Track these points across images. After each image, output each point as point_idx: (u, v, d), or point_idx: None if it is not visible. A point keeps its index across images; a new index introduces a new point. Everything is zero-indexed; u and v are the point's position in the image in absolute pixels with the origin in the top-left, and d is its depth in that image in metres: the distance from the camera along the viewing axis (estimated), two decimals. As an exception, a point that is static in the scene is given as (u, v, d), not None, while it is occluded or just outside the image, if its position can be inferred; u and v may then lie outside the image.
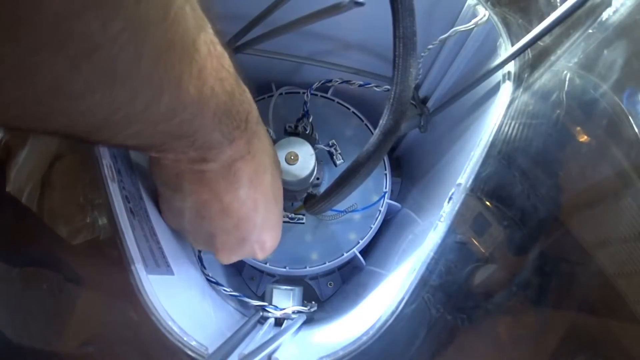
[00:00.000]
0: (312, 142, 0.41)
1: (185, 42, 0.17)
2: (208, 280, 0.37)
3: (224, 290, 0.37)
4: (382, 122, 0.28)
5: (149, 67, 0.15)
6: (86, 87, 0.14)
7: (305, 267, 0.43)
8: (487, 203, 0.27)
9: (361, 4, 0.25)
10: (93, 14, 0.12)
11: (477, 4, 0.34)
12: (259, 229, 0.29)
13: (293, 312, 0.37)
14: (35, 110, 0.15)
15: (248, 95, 0.24)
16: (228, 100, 0.21)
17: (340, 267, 0.49)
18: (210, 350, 0.26)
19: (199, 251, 0.38)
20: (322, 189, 0.45)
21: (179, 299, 0.30)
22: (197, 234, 0.30)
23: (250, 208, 0.28)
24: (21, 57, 0.12)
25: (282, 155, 0.38)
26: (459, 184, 0.28)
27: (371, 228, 0.44)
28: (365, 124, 0.47)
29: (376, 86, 0.42)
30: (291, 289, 0.40)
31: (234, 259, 0.31)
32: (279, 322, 0.37)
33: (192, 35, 0.17)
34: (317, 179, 0.44)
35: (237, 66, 0.22)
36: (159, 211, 0.31)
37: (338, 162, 0.46)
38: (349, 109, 0.48)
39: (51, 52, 0.12)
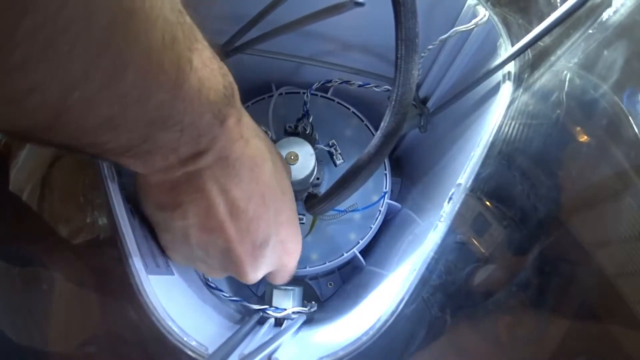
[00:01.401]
0: (312, 142, 0.41)
1: (153, 11, 0.14)
2: (207, 285, 0.37)
3: (224, 295, 0.37)
4: (384, 124, 0.27)
5: (101, 32, 0.13)
6: (26, 58, 0.12)
7: (305, 267, 0.43)
8: (487, 203, 0.27)
9: (361, 4, 0.25)
10: None
11: (477, 4, 0.34)
12: (275, 225, 0.26)
13: (293, 313, 0.37)
14: None
15: (222, 63, 0.21)
16: (210, 75, 0.19)
17: (340, 267, 0.49)
18: (210, 350, 0.26)
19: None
20: (322, 189, 0.45)
21: (179, 299, 0.30)
22: (211, 256, 0.26)
23: (258, 203, 0.25)
24: None
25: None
26: (459, 184, 0.28)
27: (371, 228, 0.44)
28: (365, 124, 0.47)
29: (376, 86, 0.42)
30: (291, 289, 0.40)
31: (260, 274, 0.28)
32: (279, 322, 0.37)
33: (157, 3, 0.15)
34: (317, 179, 0.44)
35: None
36: (163, 251, 0.28)
37: (338, 162, 0.46)
38: (349, 109, 0.48)
39: None
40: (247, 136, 0.24)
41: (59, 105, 0.14)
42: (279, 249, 0.28)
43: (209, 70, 0.19)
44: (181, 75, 0.17)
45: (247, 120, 0.25)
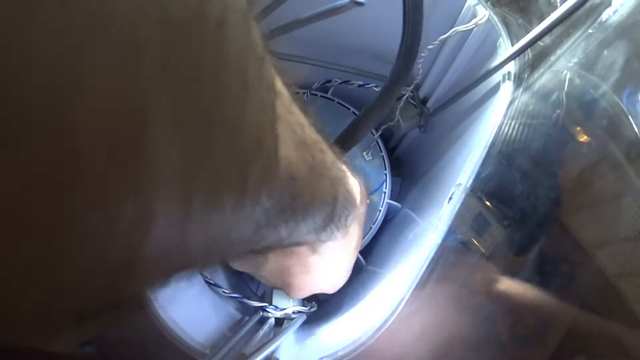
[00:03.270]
0: (312, 142, 0.41)
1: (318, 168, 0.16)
2: (207, 282, 0.37)
3: (223, 291, 0.37)
4: (394, 68, 0.29)
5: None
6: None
7: (305, 267, 0.43)
8: (487, 203, 0.27)
9: (361, 4, 0.25)
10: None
11: (477, 4, 0.34)
12: (338, 277, 0.30)
13: (293, 312, 0.37)
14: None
15: (351, 179, 0.23)
16: (331, 210, 0.20)
17: (340, 267, 0.49)
18: (210, 351, 0.26)
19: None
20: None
21: (179, 299, 0.30)
22: (271, 280, 0.29)
23: (336, 268, 0.28)
24: None
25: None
26: (459, 184, 0.28)
27: (371, 228, 0.44)
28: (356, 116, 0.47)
29: (376, 86, 0.42)
30: (291, 289, 0.40)
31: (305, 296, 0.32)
32: (279, 322, 0.37)
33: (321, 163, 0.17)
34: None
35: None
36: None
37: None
38: (348, 109, 0.48)
39: None
40: (349, 236, 0.26)
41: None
42: (330, 288, 0.31)
43: (330, 208, 0.20)
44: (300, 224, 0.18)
45: (355, 223, 0.26)
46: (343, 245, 0.26)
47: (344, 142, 0.33)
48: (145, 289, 0.14)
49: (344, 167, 0.22)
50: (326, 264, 0.27)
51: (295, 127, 0.15)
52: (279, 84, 0.14)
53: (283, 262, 0.26)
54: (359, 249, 0.31)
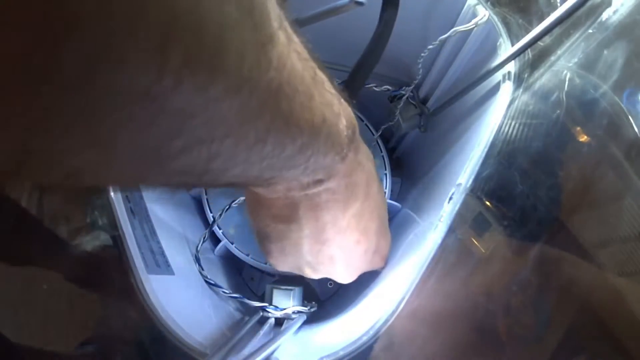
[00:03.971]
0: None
1: (292, 82, 0.15)
2: (207, 282, 0.37)
3: (223, 291, 0.37)
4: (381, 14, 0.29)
5: (254, 115, 0.14)
6: (185, 147, 0.13)
7: (305, 267, 0.43)
8: (487, 203, 0.27)
9: (361, 4, 0.25)
10: (190, 86, 0.11)
11: (477, 4, 0.34)
12: (378, 236, 0.29)
13: (293, 312, 0.37)
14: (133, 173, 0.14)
15: (347, 105, 0.23)
16: (338, 121, 0.20)
17: (340, 267, 0.49)
18: (210, 351, 0.26)
19: (197, 251, 0.38)
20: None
21: (179, 299, 0.30)
22: (318, 263, 0.28)
23: (368, 219, 0.27)
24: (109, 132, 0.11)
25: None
26: (459, 184, 0.28)
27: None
28: (366, 124, 0.47)
29: (376, 86, 0.42)
30: (291, 289, 0.40)
31: (356, 276, 0.31)
32: (279, 322, 0.37)
33: (298, 72, 0.16)
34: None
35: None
36: (265, 256, 0.30)
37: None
38: (349, 109, 0.48)
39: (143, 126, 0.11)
40: (363, 162, 0.26)
41: (202, 171, 0.15)
42: (377, 257, 0.30)
43: (337, 118, 0.20)
44: (314, 131, 0.18)
45: (362, 147, 0.26)
46: (364, 181, 0.26)
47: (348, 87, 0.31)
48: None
49: (339, 100, 0.22)
50: (358, 208, 0.26)
51: (297, 45, 0.16)
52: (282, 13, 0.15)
53: (318, 220, 0.25)
54: (385, 204, 0.30)
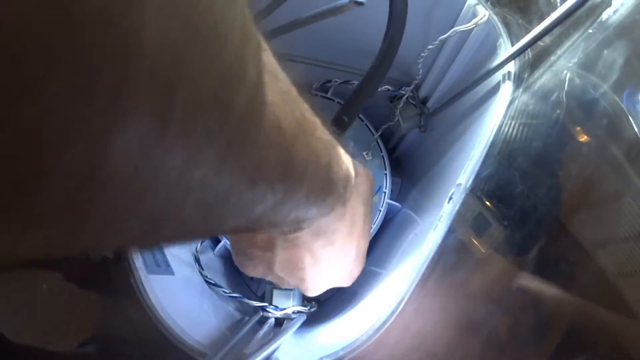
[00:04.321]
0: (312, 142, 0.41)
1: (272, 134, 0.14)
2: (207, 282, 0.37)
3: (223, 291, 0.37)
4: (386, 33, 0.29)
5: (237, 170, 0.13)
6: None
7: (305, 267, 0.43)
8: (487, 203, 0.27)
9: (361, 4, 0.25)
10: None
11: (477, 4, 0.34)
12: (350, 266, 0.29)
13: (293, 312, 0.37)
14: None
15: (343, 151, 0.22)
16: (325, 175, 0.19)
17: (340, 267, 0.49)
18: (210, 351, 0.26)
19: (196, 251, 0.38)
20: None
21: (179, 298, 0.30)
22: (287, 278, 0.29)
23: (345, 254, 0.27)
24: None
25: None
26: (459, 184, 0.28)
27: (371, 228, 0.44)
28: (366, 124, 0.47)
29: (376, 86, 0.42)
30: (291, 289, 0.40)
31: (322, 291, 0.31)
32: (279, 322, 0.37)
33: (281, 122, 0.14)
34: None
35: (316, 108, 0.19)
36: (235, 261, 0.30)
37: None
38: (349, 109, 0.48)
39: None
40: (352, 207, 0.25)
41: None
42: (347, 278, 0.30)
43: (325, 171, 0.20)
44: (296, 184, 0.17)
45: (356, 192, 0.26)
46: (348, 226, 0.26)
47: (346, 111, 0.31)
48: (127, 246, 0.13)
49: (333, 137, 0.21)
50: (335, 251, 0.26)
51: (282, 84, 0.15)
52: (265, 45, 0.13)
53: (292, 254, 0.26)
54: (369, 234, 0.30)
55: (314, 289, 0.29)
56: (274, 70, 0.14)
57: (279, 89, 0.14)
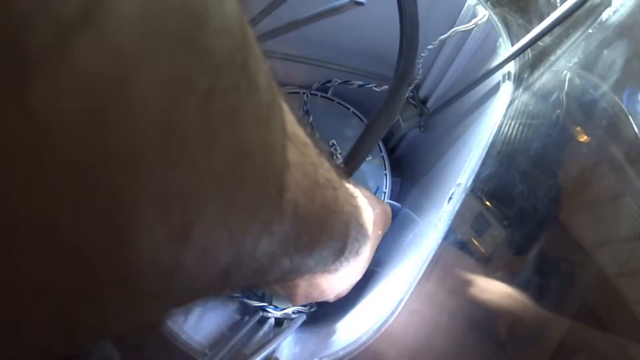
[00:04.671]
0: (312, 142, 0.41)
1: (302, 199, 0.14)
2: None
3: (224, 290, 0.37)
4: (398, 64, 0.28)
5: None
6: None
7: (305, 267, 0.43)
8: (487, 203, 0.27)
9: (361, 4, 0.25)
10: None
11: (477, 4, 0.34)
12: (341, 292, 0.29)
13: (293, 312, 0.37)
14: None
15: (364, 209, 0.22)
16: (341, 244, 0.20)
17: (340, 267, 0.48)
18: (210, 351, 0.26)
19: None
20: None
21: (179, 299, 0.30)
22: (276, 288, 0.29)
23: (339, 286, 0.28)
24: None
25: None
26: (459, 184, 0.28)
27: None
28: (365, 124, 0.47)
29: (376, 86, 0.42)
30: (291, 289, 0.40)
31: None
32: (279, 322, 0.37)
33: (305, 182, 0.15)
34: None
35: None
36: None
37: (338, 162, 0.46)
38: (348, 109, 0.48)
39: None
40: (359, 259, 0.26)
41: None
42: (332, 298, 0.31)
43: (341, 242, 0.20)
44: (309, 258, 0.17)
45: (369, 246, 0.26)
46: (353, 266, 0.26)
47: (356, 153, 0.31)
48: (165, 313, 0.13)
49: (357, 202, 0.21)
50: (334, 282, 0.27)
51: (308, 169, 0.15)
52: (291, 123, 0.13)
53: (286, 289, 0.26)
54: (369, 263, 0.30)
55: (299, 302, 0.29)
56: (299, 149, 0.14)
57: (303, 174, 0.14)
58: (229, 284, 0.14)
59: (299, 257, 0.16)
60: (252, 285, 0.18)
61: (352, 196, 0.20)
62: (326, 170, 0.16)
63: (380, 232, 0.28)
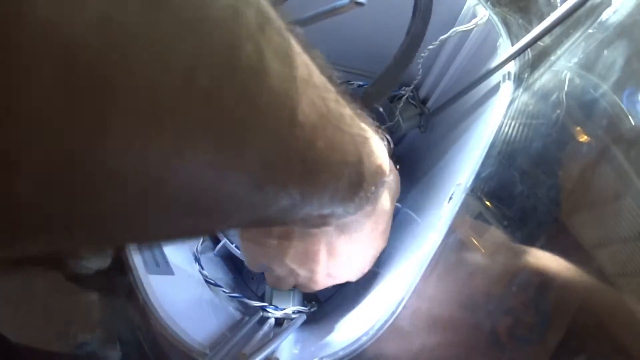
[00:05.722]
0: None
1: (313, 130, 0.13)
2: (206, 281, 0.37)
3: (223, 291, 0.37)
4: (410, 27, 0.28)
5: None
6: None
7: (305, 267, 0.43)
8: (487, 203, 0.27)
9: (361, 4, 0.25)
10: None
11: (477, 4, 0.34)
12: (364, 263, 0.28)
13: (293, 312, 0.37)
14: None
15: (377, 144, 0.20)
16: (354, 174, 0.18)
17: (340, 267, 0.48)
18: (210, 351, 0.26)
19: (196, 251, 0.38)
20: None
21: (179, 298, 0.30)
22: (296, 268, 0.27)
23: (364, 251, 0.26)
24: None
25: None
26: (459, 184, 0.28)
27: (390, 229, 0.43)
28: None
29: (376, 86, 0.42)
30: (291, 289, 0.40)
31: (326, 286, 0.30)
32: (279, 322, 0.37)
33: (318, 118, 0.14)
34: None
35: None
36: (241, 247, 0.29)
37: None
38: (349, 109, 0.48)
39: None
40: (376, 208, 0.24)
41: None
42: (356, 274, 0.30)
43: (356, 175, 0.18)
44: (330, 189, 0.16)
45: (384, 189, 0.24)
46: (374, 224, 0.24)
47: (370, 95, 0.29)
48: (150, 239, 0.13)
49: (367, 127, 0.19)
50: (355, 247, 0.25)
51: (300, 70, 0.13)
52: (278, 25, 0.13)
53: (309, 246, 0.24)
54: (388, 231, 0.28)
55: (320, 283, 0.27)
56: (285, 53, 0.13)
57: (292, 75, 0.13)
58: (220, 220, 0.13)
59: (309, 184, 0.15)
60: (254, 222, 0.16)
61: (360, 119, 0.18)
62: (328, 92, 0.15)
63: (390, 178, 0.25)
